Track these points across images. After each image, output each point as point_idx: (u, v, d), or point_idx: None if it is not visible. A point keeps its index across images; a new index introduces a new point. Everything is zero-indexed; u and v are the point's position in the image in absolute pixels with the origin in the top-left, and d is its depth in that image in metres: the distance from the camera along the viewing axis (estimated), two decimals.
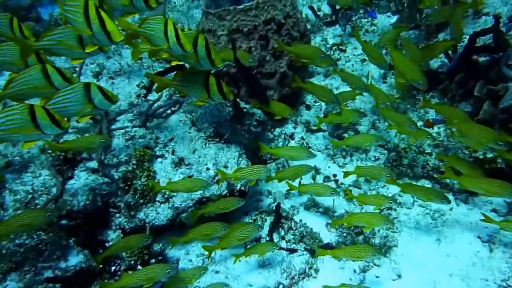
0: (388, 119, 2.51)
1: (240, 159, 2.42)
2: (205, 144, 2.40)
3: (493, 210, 2.44)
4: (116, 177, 2.19)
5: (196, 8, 4.28)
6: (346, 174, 2.40)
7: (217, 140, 2.43)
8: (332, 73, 2.76)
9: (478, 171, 2.15)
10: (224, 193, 2.27)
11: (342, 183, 2.73)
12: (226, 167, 2.35)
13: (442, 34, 3.09)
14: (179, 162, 2.32)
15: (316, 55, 2.42)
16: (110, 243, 2.09)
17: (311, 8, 3.89)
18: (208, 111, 2.44)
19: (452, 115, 2.20)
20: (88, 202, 2.07)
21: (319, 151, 3.01)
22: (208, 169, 2.30)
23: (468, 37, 2.54)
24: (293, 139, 3.08)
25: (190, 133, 2.45)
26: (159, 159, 2.35)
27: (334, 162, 2.93)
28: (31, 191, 2.14)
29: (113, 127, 2.46)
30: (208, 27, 2.67)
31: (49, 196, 2.04)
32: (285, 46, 2.51)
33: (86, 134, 2.25)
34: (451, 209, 2.50)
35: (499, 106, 2.31)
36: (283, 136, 3.04)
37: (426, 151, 2.69)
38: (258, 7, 2.58)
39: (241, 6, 2.56)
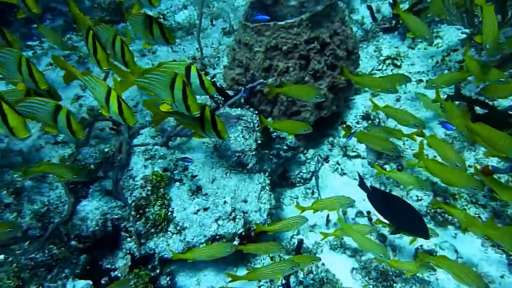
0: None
1: (262, 192, 2.25)
2: (226, 173, 2.25)
3: None
4: (130, 201, 2.11)
5: None
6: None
7: (239, 169, 2.27)
8: (374, 110, 2.46)
9: None
10: (240, 231, 2.12)
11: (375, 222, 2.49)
12: (245, 201, 2.20)
13: None
14: (197, 191, 2.20)
15: (311, 96, 2.18)
16: (117, 272, 2.04)
17: (369, 8, 3.49)
18: (233, 138, 2.26)
19: None
20: (97, 227, 2.01)
21: (354, 179, 2.76)
22: (225, 202, 2.16)
23: None
24: (327, 162, 2.85)
25: (212, 158, 2.30)
26: (177, 183, 2.23)
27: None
28: (46, 202, 2.13)
29: (135, 141, 2.36)
30: (245, 40, 2.44)
31: (63, 214, 2.01)
32: (276, 88, 2.26)
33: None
34: (502, 277, 2.20)
35: None
36: (316, 158, 2.81)
37: (479, 202, 2.36)
38: (301, 25, 2.30)
39: (282, 23, 2.29)
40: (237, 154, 2.24)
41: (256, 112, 2.45)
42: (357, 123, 2.90)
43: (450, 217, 2.33)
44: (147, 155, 2.27)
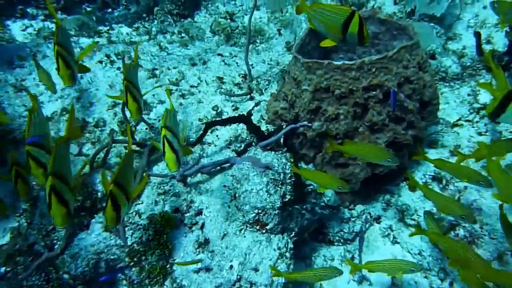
0: None
1: (279, 261, 1.90)
2: (240, 230, 1.93)
3: None
4: (130, 243, 1.91)
5: None
6: None
7: (257, 228, 1.93)
8: (416, 187, 1.96)
9: None
10: None
11: None
12: (256, 270, 1.86)
13: None
14: (204, 244, 1.92)
15: (380, 159, 1.79)
16: None
17: (476, 35, 2.76)
18: (255, 190, 1.92)
19: None
20: (87, 269, 1.84)
21: (408, 252, 2.25)
22: (231, 267, 1.85)
23: None
24: (378, 223, 2.37)
25: (229, 207, 1.99)
26: (186, 230, 1.98)
27: (426, 277, 2.16)
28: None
29: (153, 170, 2.15)
30: (294, 74, 2.04)
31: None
32: (336, 145, 1.88)
33: None
34: None
35: None
36: (364, 217, 2.35)
37: None
38: (362, 68, 1.83)
39: (339, 63, 1.85)
40: (256, 210, 1.90)
41: (292, 160, 2.07)
42: (425, 183, 2.36)
43: None
44: (161, 189, 2.04)
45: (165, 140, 1.40)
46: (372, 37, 2.19)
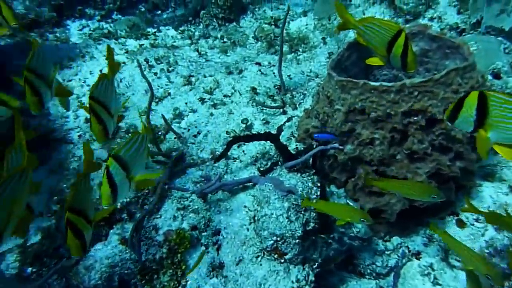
0: None
1: None
2: (257, 257, 1.81)
3: None
4: (144, 259, 1.86)
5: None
6: None
7: (275, 257, 1.79)
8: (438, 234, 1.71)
9: None
10: None
11: None
12: None
13: None
14: (219, 268, 1.82)
15: (424, 196, 1.59)
16: None
17: None
18: (275, 216, 1.78)
19: None
20: (99, 282, 1.82)
21: None
22: None
23: None
24: (417, 259, 2.13)
25: (247, 230, 1.87)
26: (202, 249, 1.89)
27: None
28: None
29: (175, 183, 2.09)
30: (327, 91, 1.88)
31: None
32: (372, 180, 1.70)
33: None
34: None
35: None
36: (401, 251, 2.12)
37: None
38: (402, 91, 1.63)
39: (376, 84, 1.66)
40: (274, 237, 1.77)
41: (319, 184, 1.90)
42: (477, 220, 2.09)
43: None
44: (180, 204, 1.98)
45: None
46: (421, 54, 1.96)
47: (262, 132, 2.23)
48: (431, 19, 2.87)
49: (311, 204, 1.74)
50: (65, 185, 2.30)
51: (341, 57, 1.92)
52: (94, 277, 1.83)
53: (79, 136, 2.69)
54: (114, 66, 1.48)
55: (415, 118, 1.68)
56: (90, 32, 3.77)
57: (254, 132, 2.24)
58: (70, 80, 3.13)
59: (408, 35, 1.93)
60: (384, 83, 1.64)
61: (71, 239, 1.23)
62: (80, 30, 3.86)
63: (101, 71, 3.12)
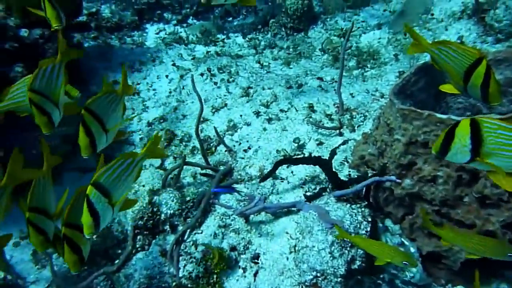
0: None
1: None
2: None
3: None
4: (180, 275, 1.84)
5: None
6: None
7: None
8: None
9: None
10: None
11: None
12: None
13: None
14: None
15: (498, 254, 1.35)
16: None
17: None
18: (317, 249, 1.65)
19: None
20: None
21: None
22: None
23: None
24: None
25: (287, 259, 1.77)
26: (240, 272, 1.83)
27: None
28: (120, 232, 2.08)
29: (219, 199, 2.05)
30: (387, 119, 1.70)
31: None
32: (433, 226, 1.47)
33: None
34: None
35: None
36: None
37: None
38: None
39: (443, 117, 1.45)
40: (314, 273, 1.64)
41: (370, 219, 1.74)
42: None
43: None
44: (222, 221, 1.93)
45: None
46: (505, 84, 1.69)
47: (315, 153, 2.11)
48: None
49: (346, 237, 1.58)
50: None
51: (406, 82, 1.73)
52: (132, 286, 1.85)
53: (140, 138, 2.78)
54: (127, 88, 1.47)
55: None
56: (165, 36, 3.90)
57: (305, 153, 2.11)
58: (139, 83, 3.25)
59: (491, 61, 1.70)
60: (453, 117, 1.43)
61: (68, 254, 1.25)
62: (157, 33, 4.01)
63: (167, 76, 3.20)
